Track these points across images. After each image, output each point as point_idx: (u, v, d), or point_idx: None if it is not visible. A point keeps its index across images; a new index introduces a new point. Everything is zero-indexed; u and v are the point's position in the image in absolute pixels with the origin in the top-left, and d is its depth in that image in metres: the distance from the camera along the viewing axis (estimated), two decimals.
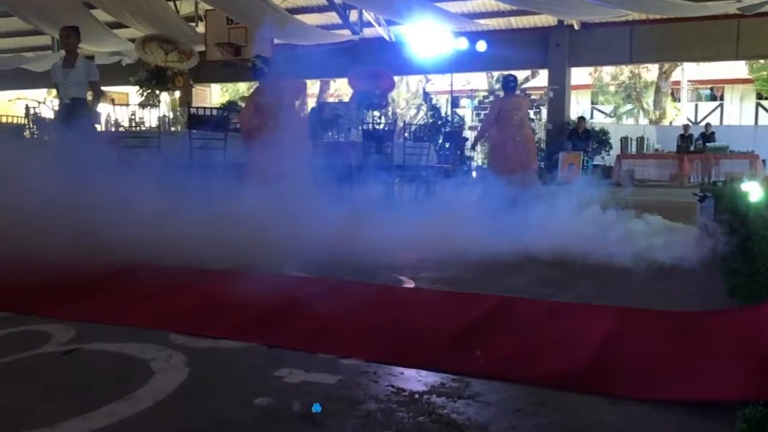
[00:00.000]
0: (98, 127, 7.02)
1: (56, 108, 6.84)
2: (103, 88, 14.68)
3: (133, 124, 8.32)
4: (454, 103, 20.29)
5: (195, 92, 21.12)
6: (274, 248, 4.40)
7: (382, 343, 2.60)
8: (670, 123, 23.57)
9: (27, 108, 9.37)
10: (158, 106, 8.57)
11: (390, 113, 27.72)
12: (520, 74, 19.50)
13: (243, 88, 27.92)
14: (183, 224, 4.51)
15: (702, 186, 4.77)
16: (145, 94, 8.35)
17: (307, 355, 2.55)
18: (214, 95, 26.05)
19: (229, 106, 13.42)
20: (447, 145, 11.97)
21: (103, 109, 8.80)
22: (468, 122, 18.42)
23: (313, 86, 23.92)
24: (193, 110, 7.69)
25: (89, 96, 6.36)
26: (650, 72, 24.98)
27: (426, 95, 17.76)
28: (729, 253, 3.94)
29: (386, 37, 17.52)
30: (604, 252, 4.20)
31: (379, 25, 17.37)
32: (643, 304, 3.29)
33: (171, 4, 15.75)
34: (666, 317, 2.94)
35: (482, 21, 16.20)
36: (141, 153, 6.51)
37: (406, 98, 28.58)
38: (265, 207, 4.76)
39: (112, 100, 10.46)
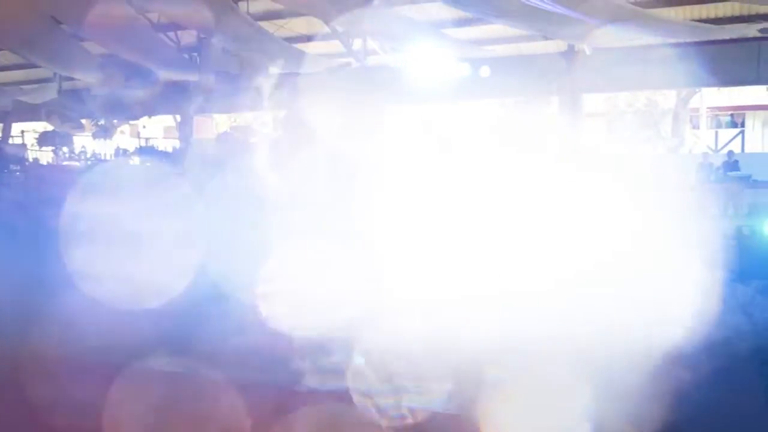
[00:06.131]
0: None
1: None
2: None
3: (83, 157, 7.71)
4: None
5: (196, 122, 20.48)
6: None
7: None
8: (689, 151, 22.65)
9: None
10: (110, 138, 7.93)
11: None
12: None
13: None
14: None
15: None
16: (98, 124, 7.74)
17: None
18: (222, 125, 25.48)
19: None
20: None
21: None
22: None
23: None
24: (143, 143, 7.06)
25: None
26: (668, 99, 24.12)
27: None
28: None
29: (391, 66, 17.00)
30: None
31: (384, 53, 16.92)
32: None
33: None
34: None
35: (489, 47, 15.75)
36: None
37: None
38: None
39: None
